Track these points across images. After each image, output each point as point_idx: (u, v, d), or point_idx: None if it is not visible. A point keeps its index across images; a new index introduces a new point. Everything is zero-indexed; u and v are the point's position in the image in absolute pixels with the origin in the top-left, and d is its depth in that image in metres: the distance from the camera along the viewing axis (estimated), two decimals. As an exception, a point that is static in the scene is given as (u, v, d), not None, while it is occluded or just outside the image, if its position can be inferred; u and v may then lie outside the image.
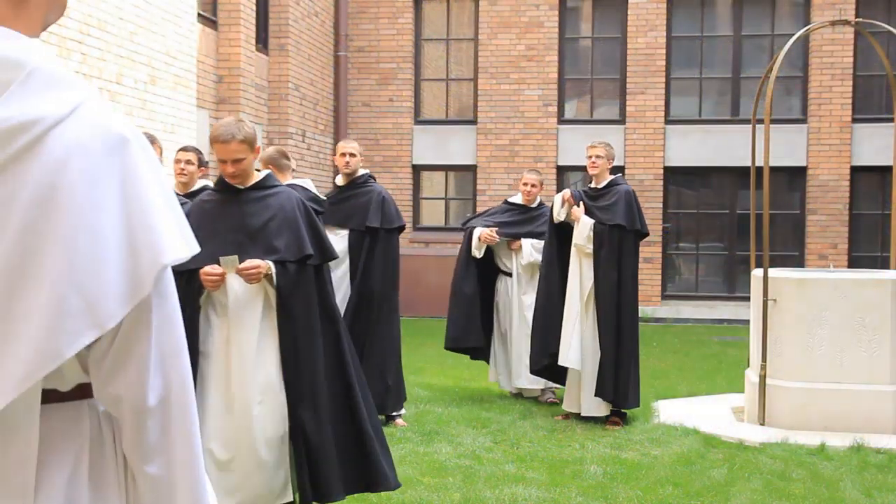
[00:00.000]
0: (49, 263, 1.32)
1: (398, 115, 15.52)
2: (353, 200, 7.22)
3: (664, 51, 15.04)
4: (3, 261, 1.32)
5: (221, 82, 11.79)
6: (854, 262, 14.61)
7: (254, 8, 12.24)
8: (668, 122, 15.14)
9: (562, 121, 15.34)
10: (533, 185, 8.19)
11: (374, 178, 7.51)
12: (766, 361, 7.32)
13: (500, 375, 8.27)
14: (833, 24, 8.51)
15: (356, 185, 7.31)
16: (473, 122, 15.49)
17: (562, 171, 15.28)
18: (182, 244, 1.41)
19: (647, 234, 7.56)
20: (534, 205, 8.31)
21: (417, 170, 15.65)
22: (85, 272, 1.33)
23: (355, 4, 15.46)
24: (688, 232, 15.33)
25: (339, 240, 7.07)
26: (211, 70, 11.61)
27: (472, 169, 15.54)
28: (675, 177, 15.33)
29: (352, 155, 7.27)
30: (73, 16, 8.21)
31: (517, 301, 8.10)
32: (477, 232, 8.00)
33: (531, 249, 8.07)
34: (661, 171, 15.01)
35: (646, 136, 14.97)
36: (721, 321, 14.75)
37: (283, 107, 13.27)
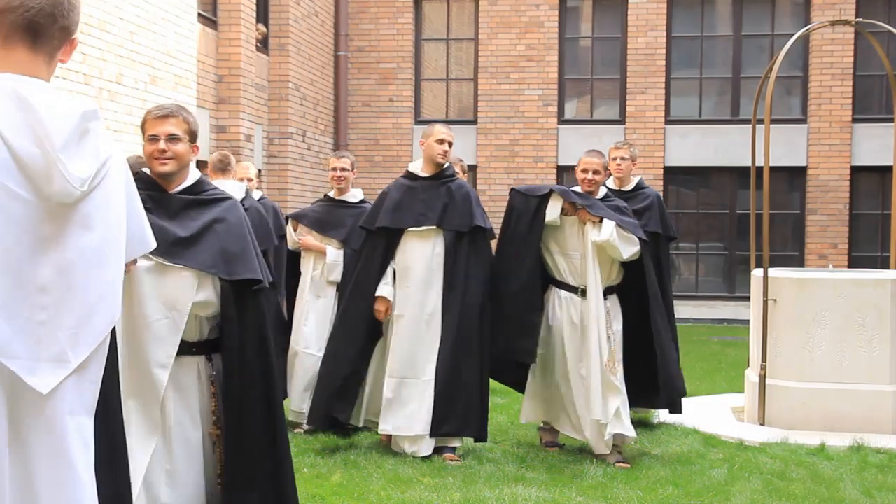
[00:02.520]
0: (115, 248, 2.07)
1: (398, 115, 15.52)
2: (444, 196, 6.18)
3: (664, 51, 15.04)
4: (95, 249, 2.01)
5: (221, 82, 11.79)
6: (854, 262, 14.61)
7: (254, 8, 12.24)
8: (668, 122, 15.14)
9: (562, 121, 15.34)
10: (623, 158, 7.12)
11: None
12: (766, 361, 7.32)
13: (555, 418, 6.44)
14: (833, 24, 8.51)
15: (444, 178, 6.27)
16: (473, 122, 15.49)
17: (562, 171, 15.27)
18: (153, 239, 2.29)
19: (675, 238, 7.32)
20: (628, 187, 7.21)
21: (417, 170, 15.64)
22: (124, 251, 2.12)
23: (355, 4, 15.46)
24: (688, 232, 15.32)
25: (428, 244, 6.15)
26: (211, 70, 11.61)
27: (472, 169, 15.54)
28: (674, 177, 15.32)
29: (450, 143, 6.25)
30: (74, 16, 8.21)
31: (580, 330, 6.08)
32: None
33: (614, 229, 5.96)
34: (661, 171, 15.01)
35: (646, 136, 14.96)
36: (721, 321, 14.75)
37: (283, 107, 13.27)
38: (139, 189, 3.55)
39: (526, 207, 6.09)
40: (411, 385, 6.13)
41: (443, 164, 6.24)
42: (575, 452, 6.37)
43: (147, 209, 3.43)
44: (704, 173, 15.38)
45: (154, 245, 2.24)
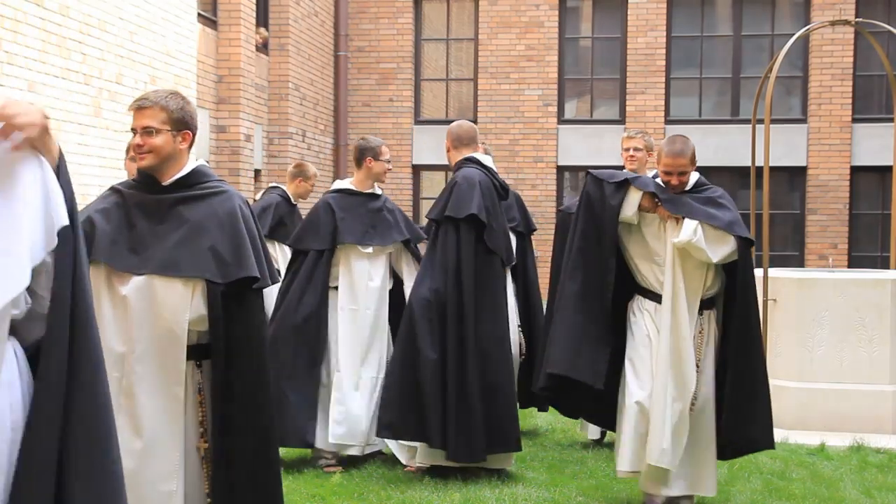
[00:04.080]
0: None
1: (398, 115, 15.52)
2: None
3: (664, 51, 15.04)
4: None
5: (221, 82, 11.78)
6: (854, 262, 14.61)
7: (254, 8, 12.24)
8: (668, 122, 15.13)
9: (562, 121, 15.33)
10: (637, 149, 6.49)
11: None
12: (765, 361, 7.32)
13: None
14: (833, 24, 8.52)
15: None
16: (473, 122, 15.45)
17: (562, 171, 15.28)
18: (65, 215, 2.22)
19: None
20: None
21: (417, 170, 15.65)
22: (29, 235, 2.12)
23: (355, 4, 15.46)
24: (688, 232, 15.31)
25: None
26: (211, 70, 11.61)
27: (472, 169, 15.52)
28: (675, 177, 15.32)
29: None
30: (73, 16, 8.21)
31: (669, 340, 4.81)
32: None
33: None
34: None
35: (646, 136, 14.95)
36: (721, 321, 14.73)
37: (283, 107, 13.27)
38: (133, 185, 3.51)
39: (600, 196, 4.97)
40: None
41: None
42: (575, 452, 6.37)
43: (135, 222, 3.36)
44: (704, 173, 15.09)
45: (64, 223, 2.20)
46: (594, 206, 4.96)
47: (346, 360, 5.99)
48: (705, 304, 4.91)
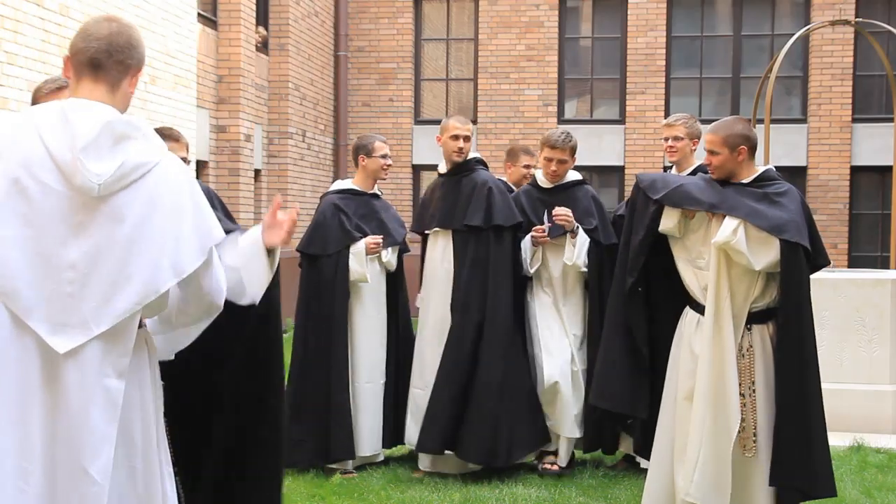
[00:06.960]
0: (151, 241, 2.38)
1: (398, 115, 15.52)
2: (454, 193, 5.85)
3: (664, 51, 15.04)
4: (126, 238, 2.36)
5: (221, 82, 11.78)
6: (854, 262, 14.62)
7: (254, 8, 12.24)
8: (668, 122, 15.13)
9: (562, 121, 15.33)
10: (677, 138, 5.71)
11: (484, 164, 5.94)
12: (766, 361, 7.31)
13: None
14: (833, 24, 8.53)
15: (462, 173, 5.87)
16: (473, 122, 15.45)
17: (562, 171, 15.27)
18: (220, 230, 2.53)
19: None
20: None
21: (417, 170, 15.65)
22: (171, 245, 2.41)
23: (355, 4, 15.46)
24: (688, 232, 15.30)
25: (437, 248, 5.84)
26: (211, 70, 11.61)
27: (472, 169, 15.51)
28: (675, 177, 15.31)
29: (466, 138, 5.76)
30: (73, 15, 8.21)
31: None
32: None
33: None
34: (662, 172, 15.00)
35: (646, 136, 14.96)
36: (721, 321, 14.71)
37: (283, 107, 13.27)
38: None
39: (644, 205, 4.28)
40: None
41: (458, 162, 5.77)
42: (574, 452, 6.36)
43: None
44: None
45: (221, 236, 2.52)
46: (636, 214, 4.34)
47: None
48: (755, 318, 4.16)
